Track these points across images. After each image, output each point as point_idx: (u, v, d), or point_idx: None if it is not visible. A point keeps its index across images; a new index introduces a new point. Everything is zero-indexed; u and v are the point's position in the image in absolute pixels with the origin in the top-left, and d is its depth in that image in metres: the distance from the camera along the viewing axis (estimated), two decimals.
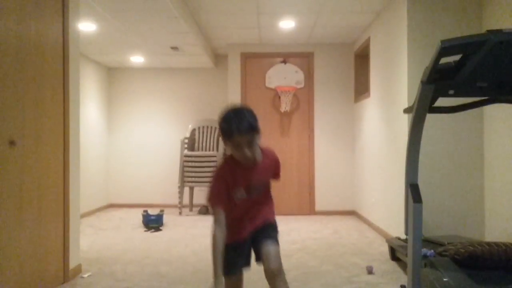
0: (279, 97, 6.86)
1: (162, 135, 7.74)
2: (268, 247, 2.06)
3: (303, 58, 6.97)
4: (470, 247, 2.86)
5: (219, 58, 7.66)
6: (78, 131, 3.73)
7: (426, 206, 4.18)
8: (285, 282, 2.05)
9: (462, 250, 2.87)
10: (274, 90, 6.90)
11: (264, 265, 2.04)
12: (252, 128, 1.98)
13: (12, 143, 2.79)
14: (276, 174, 2.27)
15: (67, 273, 3.49)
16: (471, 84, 2.64)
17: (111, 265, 3.99)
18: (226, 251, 2.10)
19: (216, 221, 2.07)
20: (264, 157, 2.15)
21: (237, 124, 1.95)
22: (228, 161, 2.12)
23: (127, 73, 7.78)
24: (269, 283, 2.04)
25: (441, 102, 3.00)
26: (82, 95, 6.60)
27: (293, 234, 5.42)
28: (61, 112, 3.44)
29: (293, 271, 3.80)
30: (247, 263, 2.22)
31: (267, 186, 2.24)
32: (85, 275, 3.66)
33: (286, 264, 3.95)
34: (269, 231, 2.17)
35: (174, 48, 6.28)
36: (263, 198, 2.21)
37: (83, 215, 6.49)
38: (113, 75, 7.79)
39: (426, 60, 4.11)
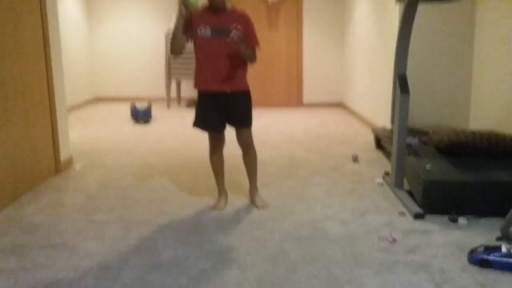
0: None
1: (146, 27, 7.43)
2: (242, 133, 2.70)
3: None
4: (453, 136, 2.93)
5: None
6: (57, 23, 3.60)
7: (413, 95, 4.18)
8: (254, 153, 2.79)
9: (445, 138, 2.95)
10: None
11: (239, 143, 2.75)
12: None
13: None
14: (250, 38, 2.57)
15: (58, 165, 3.55)
16: None
17: (102, 157, 4.06)
18: (200, 101, 2.64)
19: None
20: (233, 12, 2.62)
21: None
22: (203, 7, 2.58)
23: None
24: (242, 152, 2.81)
25: None
26: None
27: (281, 125, 5.50)
28: (38, 5, 3.28)
29: (282, 159, 3.91)
30: (223, 127, 2.68)
31: (236, 45, 2.44)
32: (77, 166, 3.74)
33: (275, 153, 4.08)
34: (242, 115, 2.66)
35: None
36: (233, 58, 2.53)
37: (70, 109, 6.46)
38: None
39: None
